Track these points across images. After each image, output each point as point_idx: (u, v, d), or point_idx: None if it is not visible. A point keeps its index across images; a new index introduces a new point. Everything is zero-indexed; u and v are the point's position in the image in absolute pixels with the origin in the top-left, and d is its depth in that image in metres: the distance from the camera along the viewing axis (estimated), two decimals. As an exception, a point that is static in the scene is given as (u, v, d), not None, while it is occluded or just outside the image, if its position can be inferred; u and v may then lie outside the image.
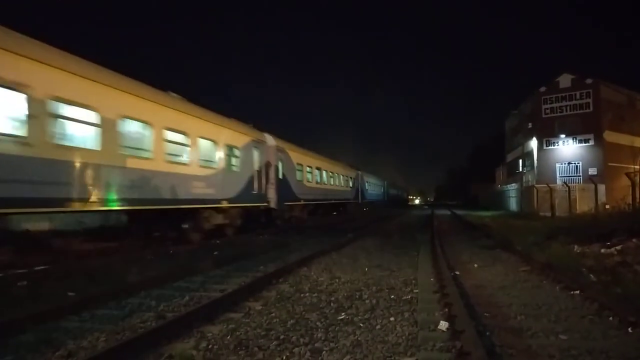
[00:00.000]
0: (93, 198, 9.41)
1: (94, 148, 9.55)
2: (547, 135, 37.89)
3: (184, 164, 12.82)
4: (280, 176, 20.54)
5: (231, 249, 12.13)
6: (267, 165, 19.00)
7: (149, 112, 11.43)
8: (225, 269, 9.38)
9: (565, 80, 37.85)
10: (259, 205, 18.21)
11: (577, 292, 6.62)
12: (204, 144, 13.92)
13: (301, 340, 4.74)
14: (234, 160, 16.01)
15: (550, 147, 37.87)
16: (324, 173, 29.41)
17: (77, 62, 9.48)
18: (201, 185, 13.59)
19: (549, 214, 26.20)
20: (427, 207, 78.21)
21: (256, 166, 17.83)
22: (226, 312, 5.78)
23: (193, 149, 13.20)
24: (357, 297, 6.73)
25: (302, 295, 6.87)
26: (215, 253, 11.50)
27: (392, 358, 4.25)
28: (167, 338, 4.66)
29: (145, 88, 11.70)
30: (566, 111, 37.44)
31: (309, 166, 25.64)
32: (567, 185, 26.74)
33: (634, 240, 10.05)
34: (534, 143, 38.89)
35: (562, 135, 37.12)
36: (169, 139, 12.11)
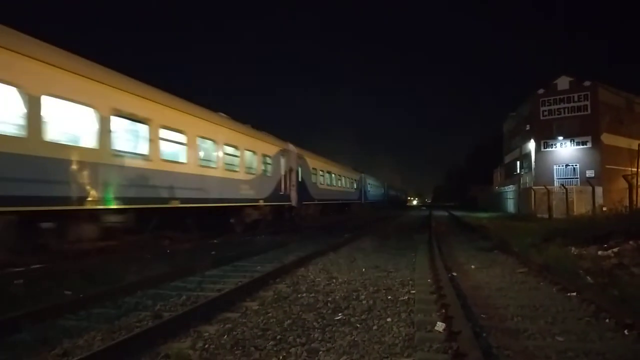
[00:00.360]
0: (190, 197, 13.11)
1: (183, 161, 12.88)
2: (545, 137, 37.93)
3: (236, 171, 16.30)
4: (300, 179, 23.81)
5: (229, 249, 12.12)
6: (290, 170, 22.19)
7: (214, 132, 14.83)
8: (222, 268, 9.38)
9: (563, 82, 37.90)
10: (284, 204, 21.56)
11: (574, 294, 6.62)
12: (248, 154, 17.58)
13: (298, 340, 4.73)
14: (267, 167, 19.46)
15: (548, 149, 37.92)
16: (333, 176, 32.85)
17: (180, 103, 13.23)
18: (246, 188, 17.04)
19: (546, 215, 26.22)
20: (424, 208, 78.27)
21: (282, 171, 21.16)
22: (223, 311, 5.77)
23: (241, 159, 16.78)
24: (354, 297, 6.72)
25: (299, 295, 6.87)
26: (212, 253, 11.49)
27: (389, 359, 4.25)
28: (163, 337, 4.65)
29: (213, 114, 15.44)
30: (564, 113, 37.49)
31: (321, 170, 29.02)
32: (564, 187, 26.77)
33: (630, 242, 10.07)
34: (531, 145, 38.93)
35: (560, 138, 37.16)
36: (227, 152, 15.58)
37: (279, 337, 4.84)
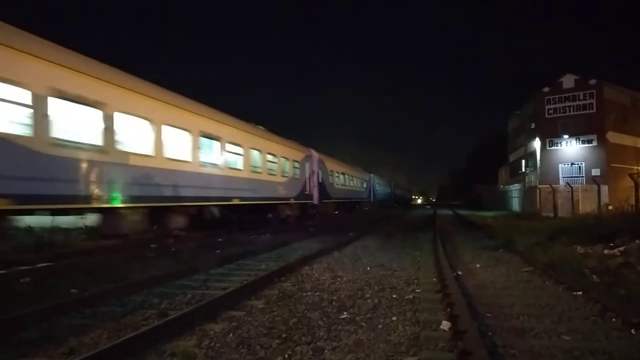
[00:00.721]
0: (245, 196, 16.73)
1: (240, 168, 16.45)
2: (550, 136, 37.82)
3: (274, 175, 19.90)
4: (320, 180, 27.29)
5: (233, 248, 12.13)
6: (312, 172, 25.84)
7: (260, 144, 18.42)
8: (227, 267, 9.39)
9: (568, 80, 37.77)
10: (308, 202, 25.32)
11: (580, 293, 6.60)
12: (283, 160, 21.06)
13: (303, 339, 4.74)
14: (296, 171, 23.00)
15: (553, 148, 37.81)
16: (347, 177, 36.31)
17: (239, 124, 17.03)
18: (281, 188, 20.65)
19: (551, 214, 26.14)
20: (429, 207, 78.16)
21: (307, 174, 24.80)
22: (228, 310, 5.78)
23: (278, 164, 20.36)
24: (359, 296, 6.72)
25: (304, 294, 6.88)
26: (217, 251, 11.51)
27: (394, 357, 4.25)
28: (169, 336, 4.66)
29: (258, 129, 19.16)
30: (569, 112, 37.38)
31: (337, 172, 32.54)
32: (570, 186, 26.68)
33: (637, 241, 10.02)
34: (536, 143, 38.81)
35: (565, 136, 37.05)
36: (268, 159, 19.21)
37: (284, 335, 4.84)
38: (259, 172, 18.14)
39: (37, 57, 8.37)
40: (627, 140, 35.70)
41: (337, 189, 31.95)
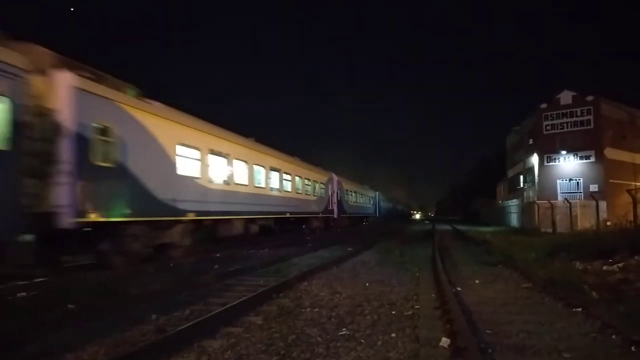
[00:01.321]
0: (292, 211, 23.38)
1: (289, 190, 23.24)
2: (548, 152, 38.00)
3: (309, 195, 26.93)
4: (339, 199, 33.93)
5: (232, 264, 12.09)
6: (333, 192, 32.30)
7: (300, 171, 25.38)
8: (226, 282, 9.35)
9: (566, 97, 38.07)
10: (329, 216, 32.02)
11: (580, 309, 6.57)
12: (314, 183, 27.97)
13: (302, 355, 4.71)
14: (322, 191, 29.91)
15: (551, 163, 37.95)
16: (358, 195, 43.38)
17: (291, 158, 24.84)
18: (313, 205, 27.69)
19: (550, 230, 26.12)
20: (427, 222, 78.03)
21: (329, 193, 31.73)
22: (227, 326, 5.76)
23: (312, 187, 27.38)
24: (358, 312, 6.70)
25: (302, 310, 6.85)
26: (216, 267, 11.47)
27: (394, 375, 4.22)
28: (167, 352, 4.63)
29: (300, 160, 26.27)
30: (567, 128, 37.60)
31: (351, 191, 39.56)
32: (568, 202, 26.72)
33: (636, 257, 10.02)
34: (535, 159, 38.97)
35: (563, 152, 37.22)
36: (306, 183, 26.19)
37: (282, 352, 4.81)
38: (300, 193, 25.06)
39: (205, 132, 14.94)
40: (624, 156, 35.86)
41: (351, 205, 38.75)
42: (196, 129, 14.32)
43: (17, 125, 7.88)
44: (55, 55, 9.60)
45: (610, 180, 34.35)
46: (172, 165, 12.82)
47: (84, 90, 9.71)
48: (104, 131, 10.19)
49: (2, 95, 7.69)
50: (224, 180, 15.81)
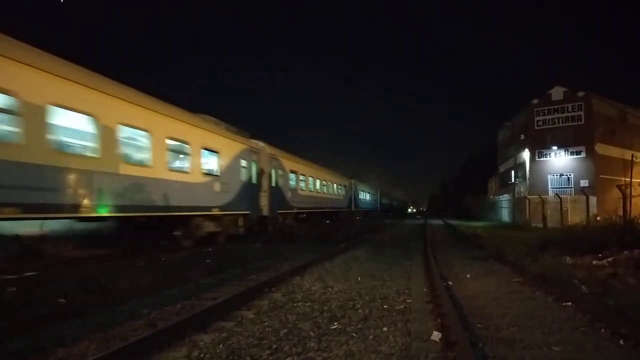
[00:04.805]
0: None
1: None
2: (540, 147, 38.18)
3: (339, 195, 34.31)
4: (354, 197, 40.08)
5: (224, 258, 12.06)
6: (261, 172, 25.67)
7: (336, 180, 33.75)
8: (217, 277, 9.33)
9: (557, 92, 38.24)
10: (349, 210, 39.28)
11: (570, 303, 6.63)
12: (342, 187, 35.34)
13: (294, 349, 4.71)
14: (344, 191, 37.66)
15: (542, 159, 38.15)
16: (367, 194, 50.48)
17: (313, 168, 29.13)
18: (340, 202, 34.45)
19: (540, 225, 26.32)
20: (419, 217, 78.29)
21: (350, 193, 39.39)
22: (218, 320, 5.74)
23: (341, 189, 34.24)
24: (350, 306, 6.71)
25: (294, 304, 6.85)
26: (207, 261, 11.44)
27: (385, 368, 4.24)
28: (158, 347, 4.62)
29: (338, 174, 34.23)
30: (558, 123, 37.79)
31: (365, 191, 47.39)
32: (559, 197, 26.92)
33: (625, 252, 10.10)
34: (526, 154, 39.16)
35: (554, 147, 37.42)
36: (337, 187, 35.08)
37: (274, 346, 4.81)
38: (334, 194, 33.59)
39: (301, 164, 25.60)
40: (615, 152, 36.13)
41: (364, 202, 41.13)
42: (298, 163, 25.23)
43: (257, 173, 18.80)
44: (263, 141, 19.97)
45: (601, 176, 34.61)
46: (289, 183, 23.43)
47: (270, 153, 20.85)
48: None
49: (253, 161, 18.48)
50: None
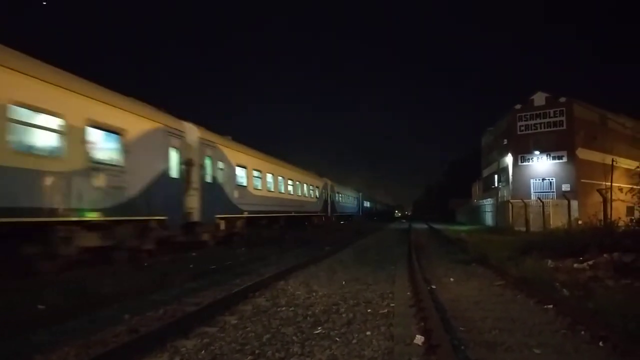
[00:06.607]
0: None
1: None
2: (522, 152, 38.61)
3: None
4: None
5: (207, 263, 11.98)
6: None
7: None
8: (201, 282, 9.27)
9: (539, 98, 38.72)
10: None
11: (551, 306, 6.70)
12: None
13: (277, 354, 4.69)
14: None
15: (525, 163, 38.58)
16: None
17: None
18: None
19: (523, 228, 26.57)
20: (404, 220, 78.63)
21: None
22: (201, 326, 5.69)
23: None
24: (334, 311, 6.70)
25: (278, 309, 6.82)
26: (191, 266, 11.35)
27: (368, 372, 4.24)
28: (139, 353, 4.56)
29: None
30: (540, 128, 38.25)
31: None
32: (541, 201, 27.22)
33: (605, 255, 10.25)
34: (509, 159, 39.58)
35: (537, 152, 37.85)
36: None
37: (257, 351, 4.78)
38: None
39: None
40: (596, 156, 36.63)
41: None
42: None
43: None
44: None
45: (582, 180, 35.09)
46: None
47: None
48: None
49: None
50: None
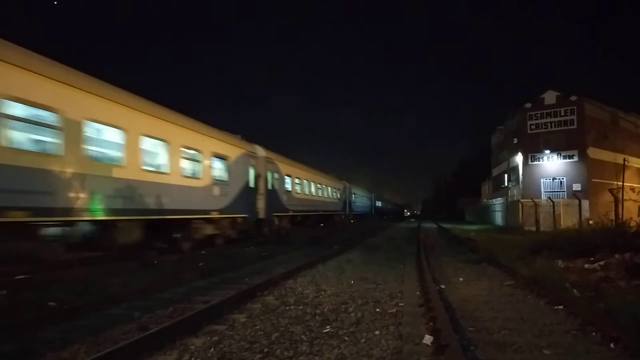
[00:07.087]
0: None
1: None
2: (532, 151, 38.38)
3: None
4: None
5: (216, 261, 12.03)
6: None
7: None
8: (210, 280, 9.30)
9: (550, 96, 38.47)
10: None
11: (561, 307, 6.66)
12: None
13: (285, 353, 4.70)
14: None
15: (535, 163, 38.34)
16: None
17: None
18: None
19: (533, 228, 26.41)
20: (413, 220, 78.46)
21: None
22: (210, 324, 5.72)
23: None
24: (343, 310, 6.70)
25: (287, 307, 6.83)
26: (200, 264, 11.40)
27: (377, 372, 4.23)
28: (149, 350, 4.59)
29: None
30: (551, 127, 38.00)
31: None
32: (551, 201, 27.03)
33: (616, 255, 10.16)
34: (519, 158, 39.35)
35: (547, 151, 37.62)
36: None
37: (266, 350, 4.80)
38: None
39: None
40: (607, 156, 36.37)
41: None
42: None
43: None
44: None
45: (593, 180, 34.83)
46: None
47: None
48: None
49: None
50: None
